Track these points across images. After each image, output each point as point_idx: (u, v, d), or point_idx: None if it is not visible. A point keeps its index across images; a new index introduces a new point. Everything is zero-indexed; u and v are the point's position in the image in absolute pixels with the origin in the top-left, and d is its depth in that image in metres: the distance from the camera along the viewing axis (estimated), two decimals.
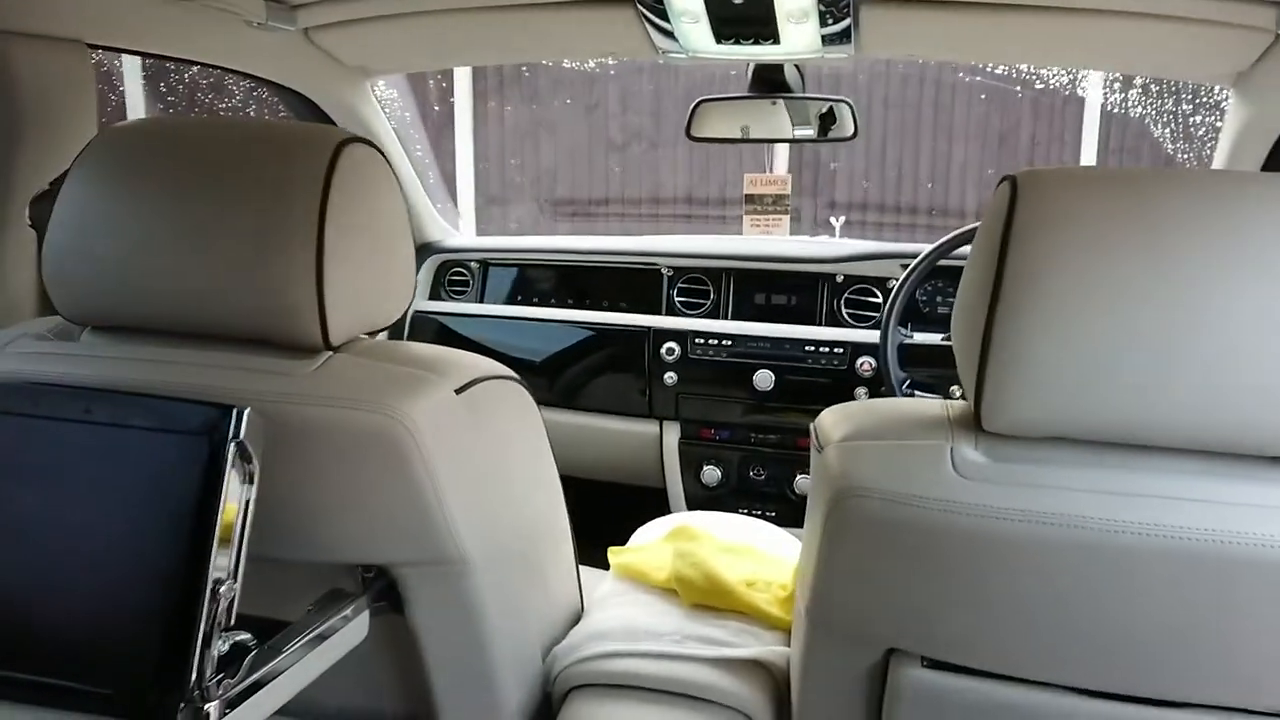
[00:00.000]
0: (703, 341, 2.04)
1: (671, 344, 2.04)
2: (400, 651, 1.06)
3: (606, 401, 2.13)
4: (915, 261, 1.82)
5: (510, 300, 2.28)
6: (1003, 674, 0.88)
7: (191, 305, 0.92)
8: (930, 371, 1.87)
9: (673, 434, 2.10)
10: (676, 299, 2.16)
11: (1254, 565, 0.76)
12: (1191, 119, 5.72)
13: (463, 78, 6.43)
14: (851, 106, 1.74)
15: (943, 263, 1.85)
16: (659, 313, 2.15)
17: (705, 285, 2.14)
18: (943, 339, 1.86)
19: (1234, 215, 0.76)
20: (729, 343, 2.03)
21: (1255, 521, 0.75)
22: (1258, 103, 1.48)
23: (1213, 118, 5.51)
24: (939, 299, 2.10)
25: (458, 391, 0.96)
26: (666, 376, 2.05)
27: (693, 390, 2.06)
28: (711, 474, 2.08)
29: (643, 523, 1.63)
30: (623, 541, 1.52)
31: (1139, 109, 5.88)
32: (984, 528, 0.79)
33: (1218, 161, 1.65)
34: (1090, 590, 0.80)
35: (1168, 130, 5.82)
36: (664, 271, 2.16)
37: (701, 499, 2.10)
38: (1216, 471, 0.80)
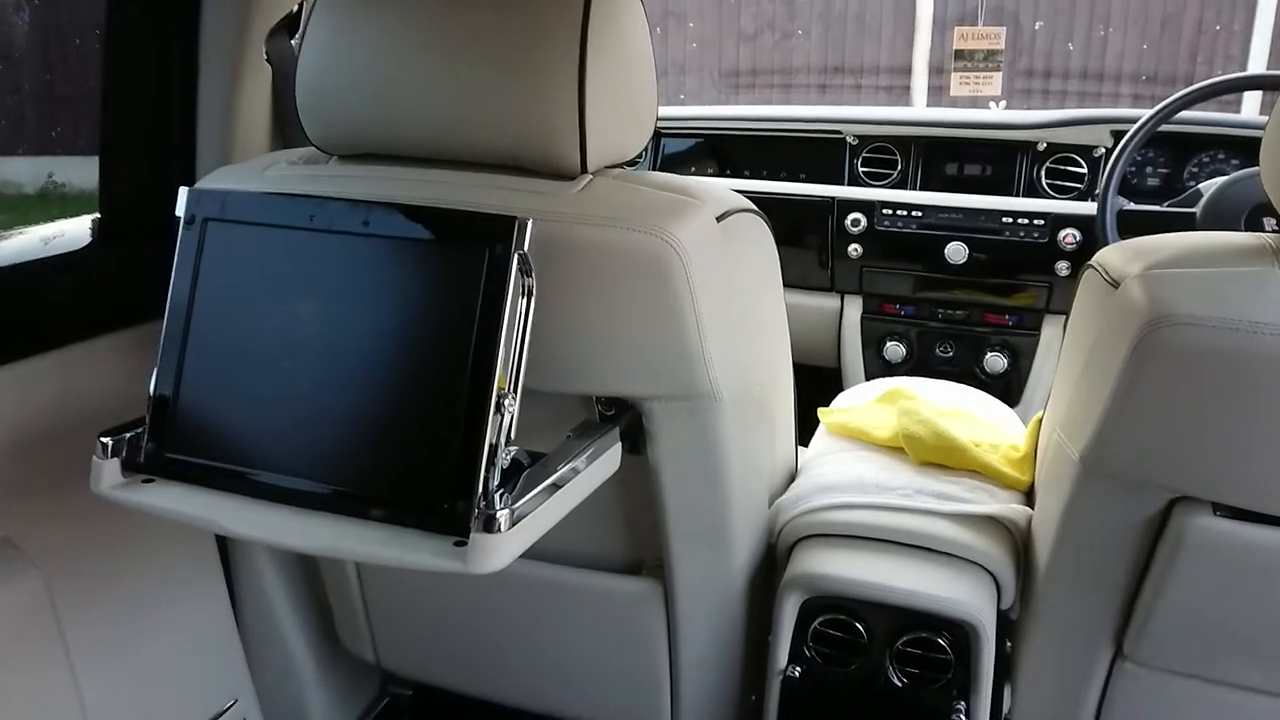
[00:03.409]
0: (890, 213, 1.95)
1: (857, 215, 1.96)
2: (634, 494, 1.05)
3: (785, 275, 2.07)
4: (1139, 124, 1.69)
5: (685, 171, 2.22)
6: None
7: (444, 130, 0.90)
8: None
9: (854, 309, 2.04)
10: (860, 169, 2.07)
11: None
12: None
13: None
14: None
15: (1162, 129, 1.71)
16: (841, 183, 2.07)
17: (892, 155, 2.05)
18: (1168, 205, 1.73)
19: None
20: (919, 214, 1.93)
21: None
22: None
23: None
24: (1148, 169, 1.96)
25: (718, 219, 0.93)
26: (851, 249, 1.98)
27: (878, 264, 1.98)
28: (895, 350, 2.01)
29: (814, 404, 1.58)
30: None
31: None
32: None
33: None
34: None
35: None
36: (849, 140, 2.07)
37: (882, 377, 2.04)
38: None
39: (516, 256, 0.77)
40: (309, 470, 0.82)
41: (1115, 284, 0.86)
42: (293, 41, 1.21)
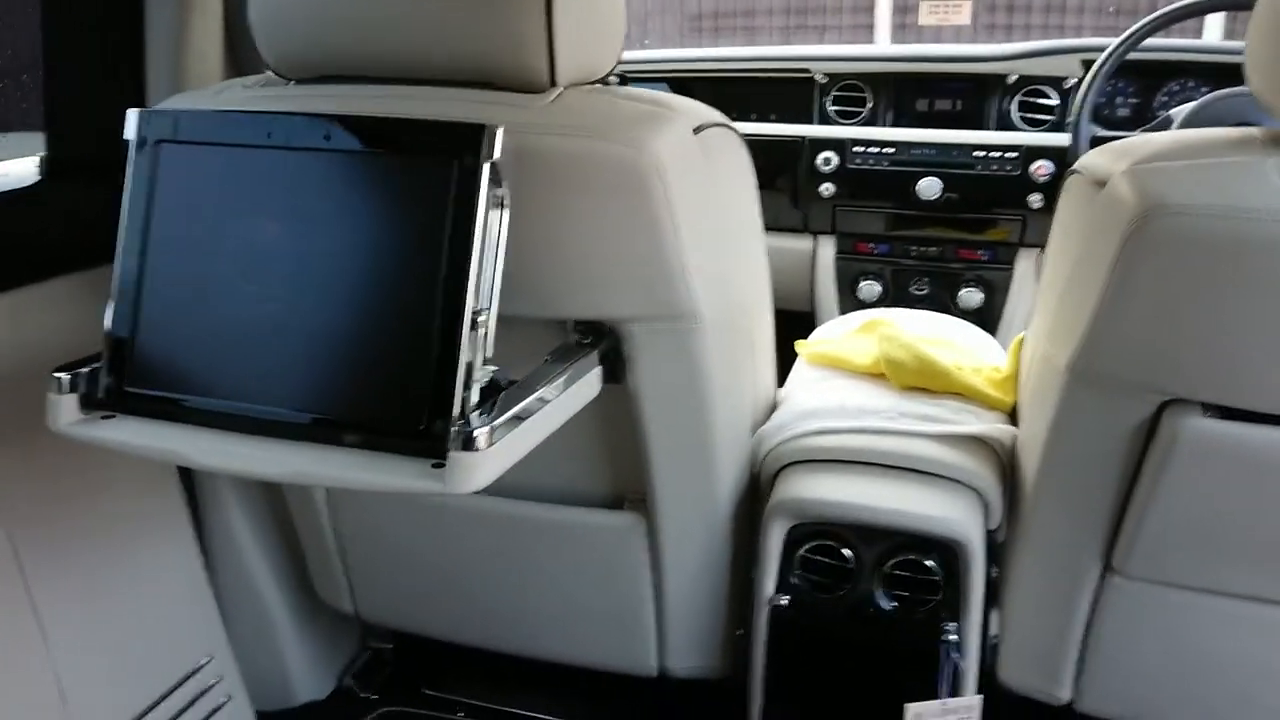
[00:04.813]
0: (862, 150, 1.92)
1: (828, 154, 1.93)
2: (615, 425, 1.03)
3: None
4: (1110, 49, 1.68)
5: None
6: None
7: (407, 44, 0.87)
8: None
9: (828, 249, 2.01)
10: (830, 108, 2.04)
11: None
12: None
13: None
14: None
15: (1131, 57, 1.70)
16: (811, 123, 2.04)
17: (862, 92, 2.02)
18: (1142, 131, 1.72)
19: None
20: (891, 150, 1.91)
21: None
22: None
23: None
24: (1118, 99, 1.95)
25: (695, 131, 0.90)
26: (823, 188, 1.95)
27: (851, 203, 1.95)
28: (870, 289, 1.99)
29: (787, 347, 1.55)
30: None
31: None
32: None
33: None
34: None
35: None
36: (818, 79, 2.04)
37: None
38: None
39: (487, 166, 0.74)
40: (277, 397, 0.79)
41: (1101, 183, 0.84)
42: None
